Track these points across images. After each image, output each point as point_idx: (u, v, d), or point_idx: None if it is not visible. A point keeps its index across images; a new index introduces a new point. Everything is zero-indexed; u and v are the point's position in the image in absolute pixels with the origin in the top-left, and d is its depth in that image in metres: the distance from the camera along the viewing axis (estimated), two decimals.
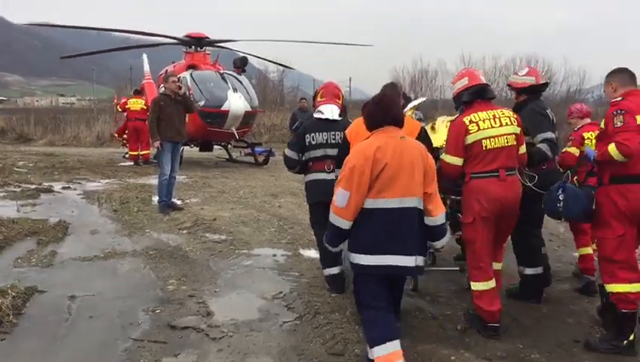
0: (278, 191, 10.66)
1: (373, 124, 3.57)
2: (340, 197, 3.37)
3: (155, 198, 8.96)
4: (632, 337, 3.86)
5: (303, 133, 5.08)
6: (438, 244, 3.67)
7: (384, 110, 3.54)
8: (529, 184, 4.46)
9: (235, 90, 14.16)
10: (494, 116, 4.22)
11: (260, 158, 15.42)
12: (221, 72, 15.03)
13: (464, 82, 4.48)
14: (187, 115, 9.20)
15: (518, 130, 4.27)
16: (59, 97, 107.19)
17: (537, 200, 4.40)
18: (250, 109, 14.30)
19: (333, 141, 4.96)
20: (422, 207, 3.44)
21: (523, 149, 4.38)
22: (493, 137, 4.16)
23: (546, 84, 5.15)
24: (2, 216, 7.63)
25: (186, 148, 15.29)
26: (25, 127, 26.53)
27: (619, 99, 3.94)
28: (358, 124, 4.24)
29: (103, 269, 5.78)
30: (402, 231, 3.37)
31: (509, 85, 5.20)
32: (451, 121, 4.61)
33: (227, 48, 17.00)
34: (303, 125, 5.19)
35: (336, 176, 3.75)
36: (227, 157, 16.62)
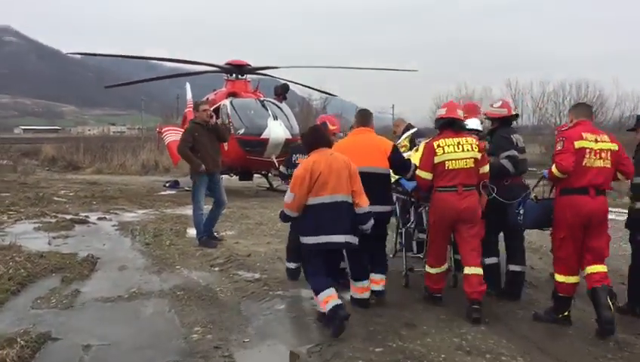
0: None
1: (310, 147, 5.04)
2: (288, 196, 4.92)
3: (190, 231, 8.56)
4: (567, 313, 5.01)
5: (291, 153, 6.56)
6: (365, 227, 5.01)
7: (316, 138, 5.08)
8: (494, 195, 5.41)
9: (275, 117, 13.81)
10: (458, 143, 5.22)
11: None
12: (261, 99, 14.75)
13: (442, 112, 5.43)
14: (223, 143, 8.84)
15: (478, 155, 5.23)
16: (110, 126, 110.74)
17: (497, 209, 5.43)
18: (290, 137, 13.90)
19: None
20: (351, 201, 4.87)
21: (485, 170, 5.36)
22: (455, 160, 5.16)
23: (516, 115, 6.09)
24: (32, 250, 7.37)
25: (226, 176, 15.01)
26: (74, 156, 27.03)
27: (564, 128, 5.10)
28: (340, 146, 5.54)
29: (125, 312, 5.32)
30: (334, 218, 4.77)
31: (485, 115, 6.24)
32: (425, 144, 5.63)
33: (268, 75, 16.73)
34: (292, 146, 6.41)
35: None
36: (268, 186, 16.23)
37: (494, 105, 6.02)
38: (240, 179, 15.49)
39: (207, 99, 16.58)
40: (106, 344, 4.48)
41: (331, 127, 6.20)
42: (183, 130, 9.76)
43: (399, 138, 7.77)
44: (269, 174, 15.87)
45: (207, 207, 8.37)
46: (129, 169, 24.32)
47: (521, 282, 5.83)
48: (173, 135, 16.56)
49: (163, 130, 17.64)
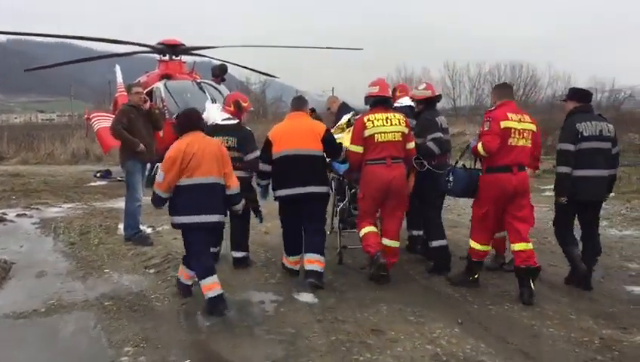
0: (264, 213, 9.36)
1: (183, 130, 4.98)
2: (159, 176, 4.83)
3: (121, 226, 7.67)
4: (476, 276, 5.41)
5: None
6: (236, 207, 5.25)
7: (190, 121, 5.03)
8: (427, 166, 5.70)
9: (213, 100, 12.82)
10: (387, 118, 5.43)
11: None
12: (198, 81, 13.77)
13: (375, 90, 5.58)
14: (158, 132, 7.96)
15: (406, 129, 5.47)
16: (38, 113, 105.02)
17: (428, 178, 5.73)
18: None
19: (226, 145, 5.61)
20: (223, 183, 4.96)
21: (411, 145, 5.57)
22: (384, 133, 5.36)
23: (439, 96, 6.33)
24: None
25: None
26: None
27: (492, 108, 5.31)
28: (276, 129, 5.71)
29: (40, 331, 4.50)
30: (207, 198, 4.84)
31: (410, 97, 6.40)
32: (355, 119, 5.91)
33: (205, 56, 15.69)
34: (216, 127, 5.92)
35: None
36: None
37: (419, 88, 6.24)
38: None
39: (139, 81, 15.45)
40: None
41: (243, 104, 6.13)
42: (114, 116, 8.68)
43: (336, 117, 7.65)
44: None
45: (146, 198, 7.49)
46: (58, 158, 22.63)
47: (449, 256, 5.98)
48: (102, 121, 15.36)
49: (91, 116, 16.34)
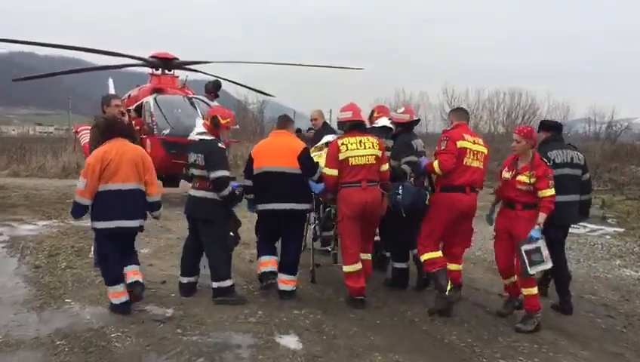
0: (252, 236, 8.65)
1: (104, 137, 5.14)
2: (81, 183, 4.96)
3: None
4: (449, 287, 5.13)
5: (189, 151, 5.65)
6: (155, 213, 5.38)
7: (109, 128, 5.17)
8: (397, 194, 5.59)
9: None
10: (361, 141, 5.43)
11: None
12: (190, 96, 13.21)
13: (348, 115, 5.60)
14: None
15: (379, 152, 5.45)
16: (36, 126, 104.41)
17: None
18: None
19: (195, 161, 5.48)
20: (143, 189, 5.10)
21: (385, 168, 5.57)
22: (358, 156, 5.36)
23: (417, 120, 6.30)
24: None
25: None
26: None
27: (449, 128, 5.45)
28: (258, 146, 5.86)
29: None
30: (126, 204, 4.99)
31: (389, 120, 6.38)
32: (330, 143, 5.80)
33: (199, 71, 15.14)
34: (191, 143, 5.67)
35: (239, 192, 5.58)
36: None
37: (398, 111, 6.33)
38: (164, 186, 13.83)
39: (130, 95, 14.93)
40: None
41: (222, 121, 5.59)
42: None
43: (319, 134, 7.69)
44: None
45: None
46: (48, 171, 21.91)
47: (407, 277, 6.13)
48: (89, 135, 14.79)
49: (79, 129, 15.73)
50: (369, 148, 5.41)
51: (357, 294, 5.42)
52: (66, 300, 5.43)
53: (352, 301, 5.45)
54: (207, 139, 5.49)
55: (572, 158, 5.55)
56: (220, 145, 5.52)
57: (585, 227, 11.32)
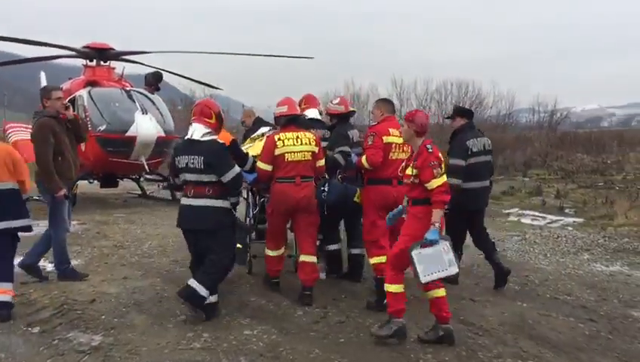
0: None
1: None
2: None
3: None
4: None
5: (173, 156, 5.09)
6: None
7: None
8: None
9: (144, 111, 11.38)
10: (297, 137, 5.41)
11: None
12: (127, 89, 12.24)
13: (283, 109, 5.54)
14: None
15: (316, 148, 5.45)
16: None
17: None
18: (163, 134, 11.56)
19: (191, 165, 4.79)
20: (17, 188, 5.03)
21: (321, 163, 5.55)
22: (294, 152, 5.35)
23: (353, 112, 6.36)
24: None
25: (85, 183, 12.41)
26: None
27: (375, 123, 5.53)
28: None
29: None
30: (2, 205, 4.90)
31: (325, 111, 6.50)
32: (266, 137, 5.76)
33: (138, 62, 14.12)
34: (175, 146, 5.42)
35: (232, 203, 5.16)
36: (139, 192, 13.72)
37: (333, 102, 6.33)
38: (102, 186, 12.84)
39: (62, 89, 13.78)
40: None
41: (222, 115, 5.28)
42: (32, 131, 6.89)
43: (251, 130, 7.57)
44: (141, 179, 13.39)
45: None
46: None
47: (362, 264, 6.10)
48: (20, 132, 13.74)
49: (7, 127, 14.55)
50: (305, 144, 5.41)
51: (274, 275, 5.67)
52: None
53: (299, 297, 5.34)
54: (207, 140, 4.83)
55: (484, 145, 5.94)
56: (221, 142, 4.93)
57: (544, 218, 11.12)
